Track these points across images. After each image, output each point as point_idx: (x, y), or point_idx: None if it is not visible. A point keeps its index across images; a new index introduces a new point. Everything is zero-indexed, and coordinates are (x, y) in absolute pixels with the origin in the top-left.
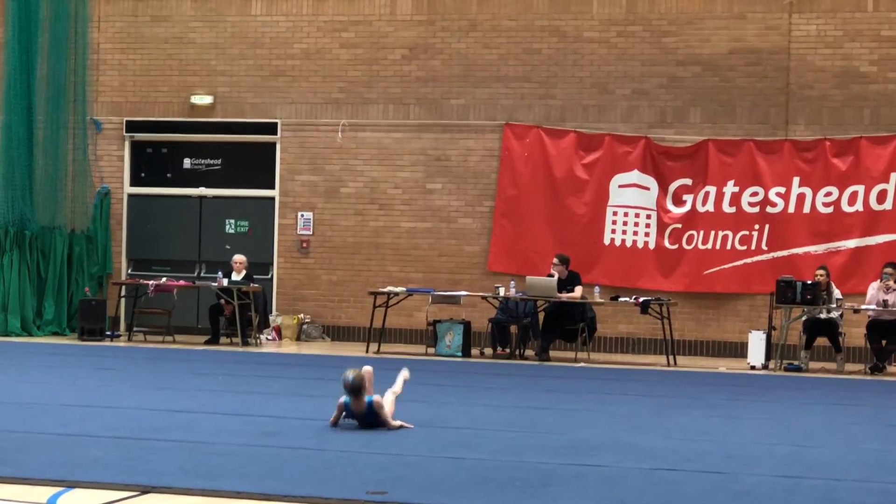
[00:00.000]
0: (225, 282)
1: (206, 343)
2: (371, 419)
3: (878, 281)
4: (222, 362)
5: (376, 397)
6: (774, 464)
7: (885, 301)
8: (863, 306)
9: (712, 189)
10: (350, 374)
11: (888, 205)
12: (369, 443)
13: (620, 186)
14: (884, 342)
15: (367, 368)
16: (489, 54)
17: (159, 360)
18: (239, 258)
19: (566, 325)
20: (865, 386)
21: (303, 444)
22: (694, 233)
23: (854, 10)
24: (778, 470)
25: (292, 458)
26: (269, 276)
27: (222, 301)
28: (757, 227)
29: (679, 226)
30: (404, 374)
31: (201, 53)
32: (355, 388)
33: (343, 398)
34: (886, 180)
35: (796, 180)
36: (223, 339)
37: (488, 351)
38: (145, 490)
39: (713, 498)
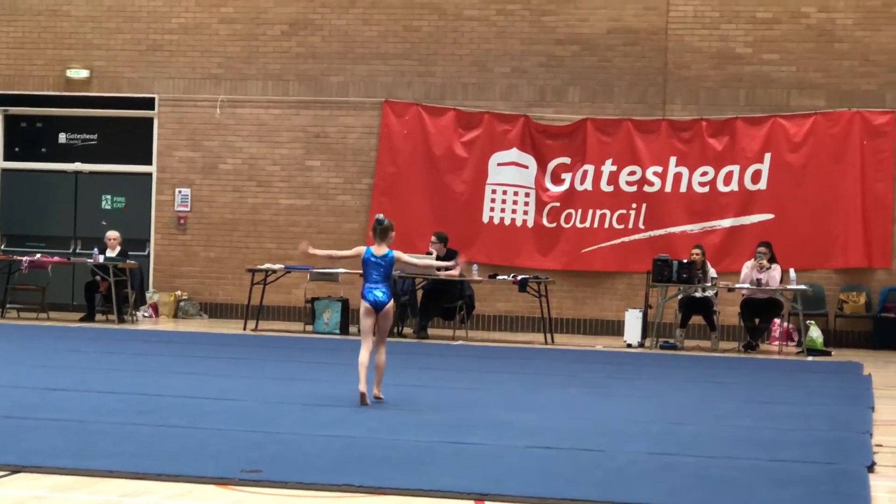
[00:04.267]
0: (101, 258)
1: (82, 320)
2: (386, 270)
3: (752, 260)
4: (98, 340)
5: (396, 252)
6: (649, 441)
7: (758, 280)
8: (737, 285)
9: (590, 168)
10: (383, 217)
11: (762, 185)
12: (244, 421)
13: (499, 164)
14: (757, 320)
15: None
16: (369, 31)
17: (33, 338)
18: (112, 234)
19: (444, 302)
20: (739, 364)
21: (178, 422)
22: (572, 211)
23: None
24: (652, 447)
25: (167, 437)
26: (146, 252)
27: (98, 278)
28: (634, 206)
29: (557, 204)
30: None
31: (77, 26)
32: (385, 230)
33: (363, 248)
34: (761, 161)
35: (673, 160)
36: (99, 317)
37: None
38: (16, 469)
39: (588, 475)
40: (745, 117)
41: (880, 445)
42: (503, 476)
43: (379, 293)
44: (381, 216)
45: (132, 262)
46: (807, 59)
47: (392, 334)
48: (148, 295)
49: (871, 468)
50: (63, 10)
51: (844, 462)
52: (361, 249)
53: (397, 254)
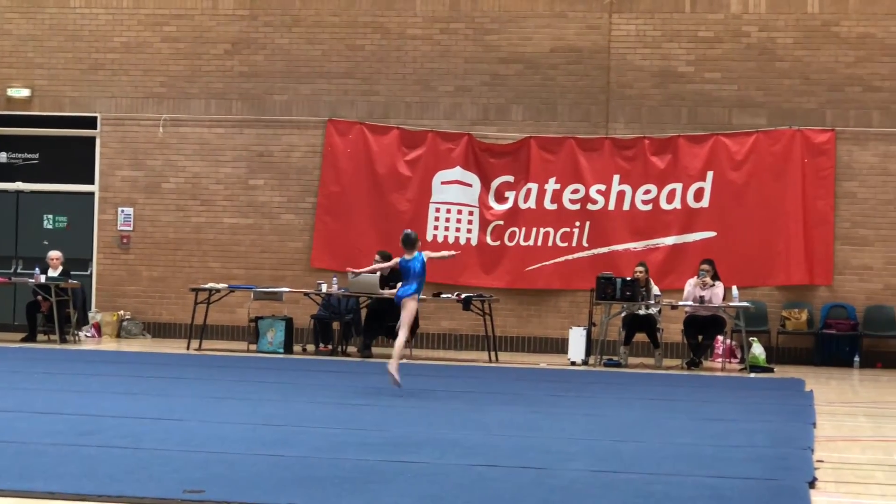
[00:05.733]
0: (42, 278)
1: (23, 340)
2: (418, 269)
3: (695, 277)
4: (39, 360)
5: (425, 253)
6: (592, 459)
7: (701, 297)
8: (680, 302)
9: (534, 186)
10: (410, 231)
11: (705, 203)
12: (187, 441)
13: (443, 183)
14: (700, 338)
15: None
16: (312, 50)
17: None
18: (55, 254)
19: (389, 321)
20: (682, 381)
21: (119, 442)
22: (516, 229)
23: (672, 11)
24: (595, 465)
25: (108, 458)
26: (89, 272)
27: (39, 298)
28: (578, 224)
29: (501, 222)
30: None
31: (18, 45)
32: (413, 242)
33: (398, 259)
34: (703, 178)
35: (616, 178)
36: (41, 337)
37: (310, 347)
38: None
39: (530, 493)
40: (688, 135)
41: (821, 461)
42: (446, 495)
43: (404, 290)
44: (408, 231)
45: (74, 281)
46: (748, 78)
47: (336, 353)
48: (90, 315)
49: (812, 484)
50: (4, 28)
51: (786, 478)
52: (397, 261)
53: (425, 252)
